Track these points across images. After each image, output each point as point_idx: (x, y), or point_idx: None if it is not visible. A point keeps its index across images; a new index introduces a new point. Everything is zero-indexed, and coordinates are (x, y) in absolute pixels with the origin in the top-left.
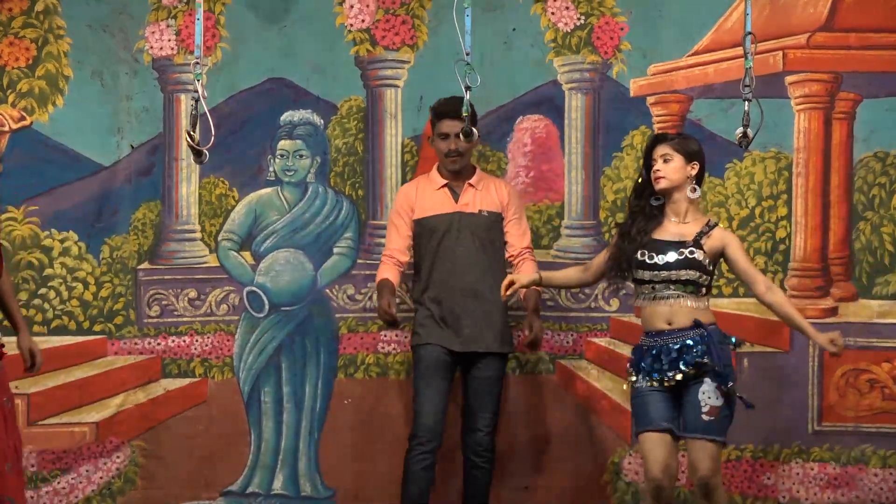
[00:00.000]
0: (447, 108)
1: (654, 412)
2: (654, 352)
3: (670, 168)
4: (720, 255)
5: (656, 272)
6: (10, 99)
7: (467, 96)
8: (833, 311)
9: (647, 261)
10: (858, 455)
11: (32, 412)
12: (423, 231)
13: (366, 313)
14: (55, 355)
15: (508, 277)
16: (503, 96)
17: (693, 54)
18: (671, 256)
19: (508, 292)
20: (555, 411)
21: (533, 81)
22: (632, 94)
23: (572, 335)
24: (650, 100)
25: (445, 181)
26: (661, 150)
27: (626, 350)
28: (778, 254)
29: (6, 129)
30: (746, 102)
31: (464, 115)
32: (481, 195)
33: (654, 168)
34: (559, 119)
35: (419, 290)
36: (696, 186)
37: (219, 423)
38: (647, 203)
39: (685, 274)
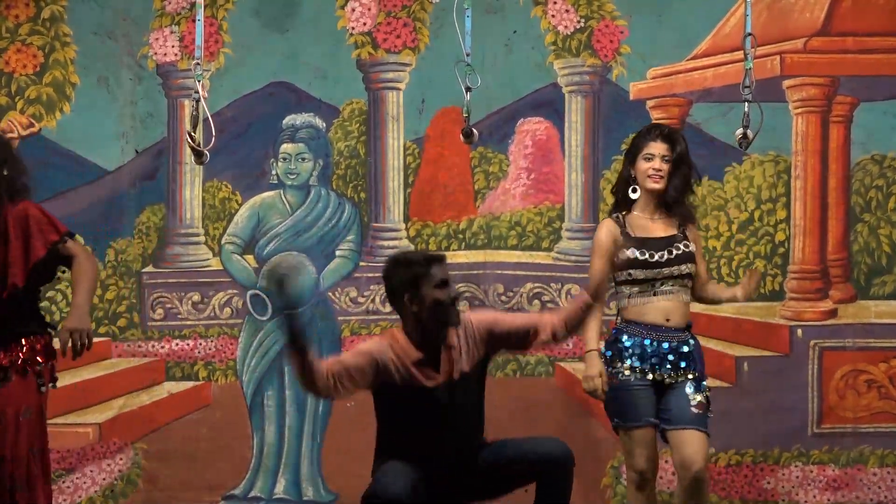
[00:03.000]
0: None
1: (643, 408)
2: (646, 346)
3: (667, 169)
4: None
5: (659, 269)
6: (19, 105)
7: (468, 98)
8: (832, 313)
9: (649, 259)
10: (857, 456)
11: None
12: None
13: (368, 316)
14: (60, 357)
15: (596, 370)
16: (504, 98)
17: (692, 58)
18: (669, 252)
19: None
20: (554, 414)
21: (533, 84)
22: (631, 97)
23: (572, 338)
24: (650, 103)
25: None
26: (662, 148)
27: None
28: (777, 257)
29: (15, 135)
30: (746, 103)
31: (464, 114)
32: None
33: (654, 165)
34: (559, 121)
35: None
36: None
37: (221, 426)
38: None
39: (686, 268)
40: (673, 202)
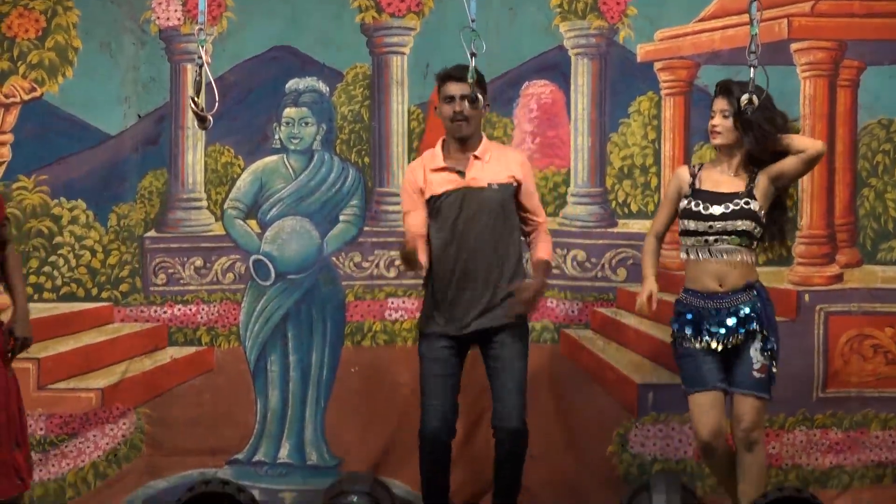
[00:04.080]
0: (452, 72)
1: (708, 373)
2: (704, 313)
3: (728, 124)
4: (770, 194)
5: (711, 223)
6: (21, 70)
7: (473, 63)
8: (838, 278)
9: (703, 211)
10: (860, 419)
11: (43, 376)
12: (432, 212)
13: (373, 280)
14: (63, 321)
15: (646, 293)
16: (509, 62)
17: (700, 20)
18: (726, 207)
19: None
20: (559, 381)
21: (539, 47)
22: (639, 59)
23: (578, 304)
24: (657, 65)
25: (450, 156)
26: (721, 103)
27: (631, 320)
28: None
29: (18, 100)
30: (752, 69)
31: (469, 80)
32: (490, 167)
33: (713, 122)
34: (565, 85)
35: (427, 274)
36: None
37: (225, 391)
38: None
39: (741, 224)
40: (758, 155)
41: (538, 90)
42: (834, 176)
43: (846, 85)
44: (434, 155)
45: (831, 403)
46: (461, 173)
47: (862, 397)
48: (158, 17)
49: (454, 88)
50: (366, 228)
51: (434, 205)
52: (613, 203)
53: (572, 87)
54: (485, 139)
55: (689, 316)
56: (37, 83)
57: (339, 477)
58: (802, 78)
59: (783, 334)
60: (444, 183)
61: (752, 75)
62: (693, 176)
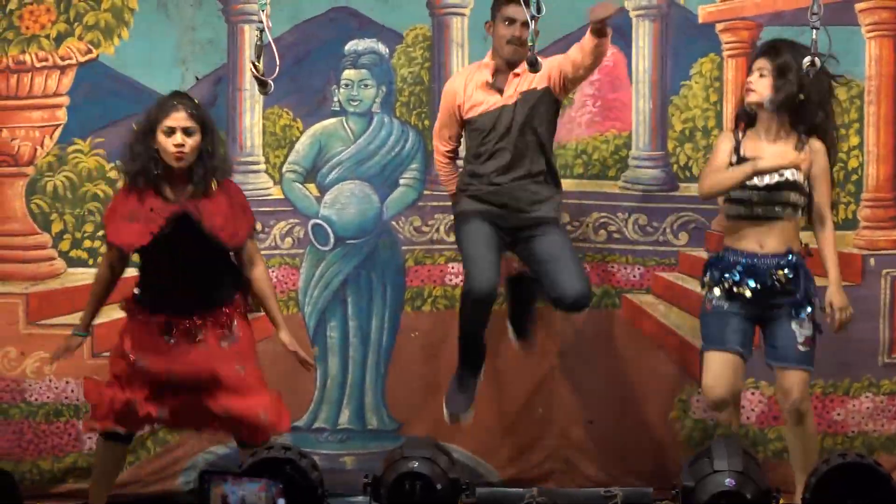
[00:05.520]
0: None
1: (731, 334)
2: (739, 268)
3: (764, 83)
4: (809, 170)
5: (756, 192)
6: (77, 32)
7: (533, 26)
8: None
9: (746, 182)
10: None
11: (97, 344)
12: (469, 131)
13: (433, 245)
14: (119, 287)
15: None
16: (570, 25)
17: None
18: (770, 178)
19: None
20: (620, 347)
21: None
22: (700, 20)
23: (639, 269)
24: (719, 27)
25: (493, 74)
26: (761, 64)
27: (694, 285)
28: (850, 184)
29: (73, 62)
30: (814, 31)
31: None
32: (524, 78)
33: (749, 79)
34: (626, 47)
35: (464, 181)
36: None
37: (284, 358)
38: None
39: (785, 196)
40: (779, 113)
41: None
42: None
43: None
44: (480, 69)
45: None
46: (500, 91)
47: None
48: None
49: (516, 12)
50: (426, 192)
51: (471, 124)
52: (675, 166)
53: (633, 50)
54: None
55: (720, 268)
56: (92, 45)
57: (399, 442)
58: (867, 38)
59: (849, 298)
60: (483, 103)
61: (813, 37)
62: (738, 142)
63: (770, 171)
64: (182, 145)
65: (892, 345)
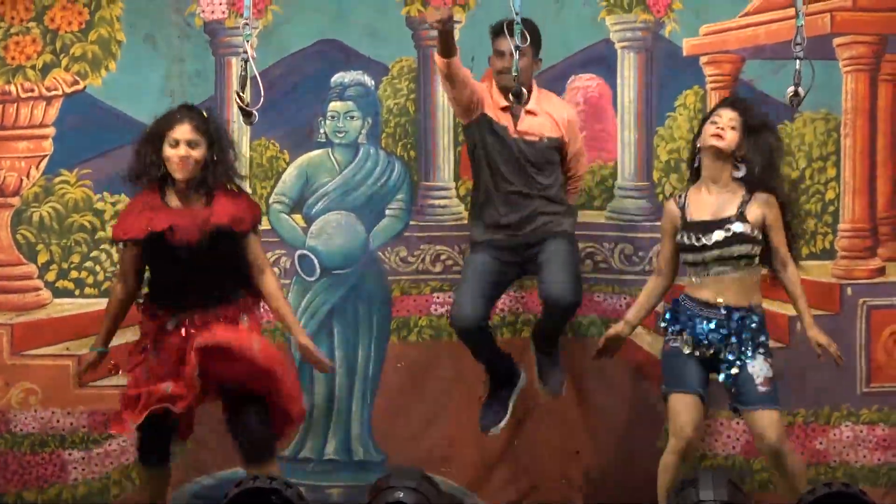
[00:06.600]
0: (504, 27)
1: (691, 377)
2: (696, 322)
3: (733, 135)
4: (763, 222)
5: (706, 253)
6: (64, 63)
7: (517, 56)
8: (881, 272)
9: (696, 244)
10: None
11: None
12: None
13: (419, 275)
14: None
15: (610, 332)
16: (555, 55)
17: (745, 15)
18: (718, 235)
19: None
20: (607, 376)
21: (585, 40)
22: (684, 53)
23: (625, 299)
24: (703, 59)
25: (505, 104)
26: (731, 115)
27: None
28: (827, 215)
29: (60, 93)
30: (798, 61)
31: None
32: (540, 120)
33: (718, 125)
34: (611, 78)
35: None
36: (739, 165)
37: None
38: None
39: (736, 250)
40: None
41: (584, 84)
42: (876, 170)
43: (888, 79)
44: (496, 91)
45: (876, 398)
46: (515, 119)
47: None
48: (203, 11)
49: (503, 44)
50: (412, 223)
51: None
52: (660, 196)
53: (619, 81)
54: (535, 89)
55: (682, 318)
56: (79, 76)
57: (385, 472)
58: (845, 72)
59: (827, 328)
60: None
61: (797, 67)
62: (682, 208)
63: None
64: (186, 157)
65: (871, 374)
